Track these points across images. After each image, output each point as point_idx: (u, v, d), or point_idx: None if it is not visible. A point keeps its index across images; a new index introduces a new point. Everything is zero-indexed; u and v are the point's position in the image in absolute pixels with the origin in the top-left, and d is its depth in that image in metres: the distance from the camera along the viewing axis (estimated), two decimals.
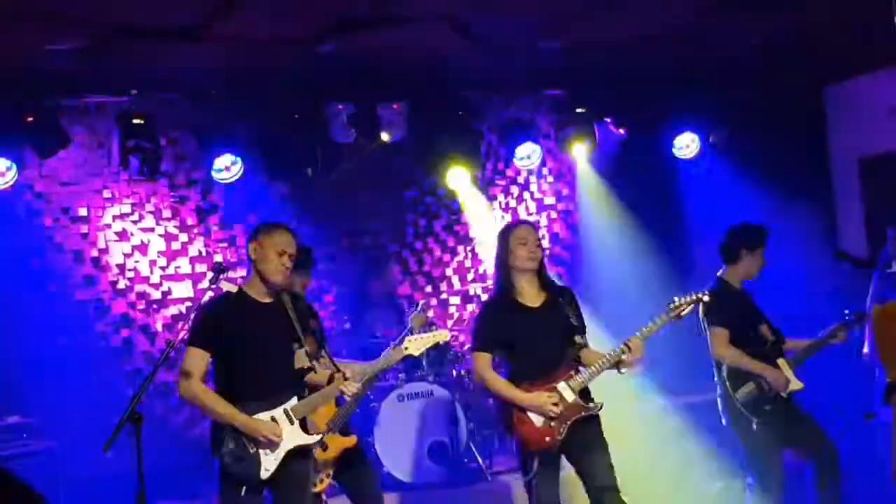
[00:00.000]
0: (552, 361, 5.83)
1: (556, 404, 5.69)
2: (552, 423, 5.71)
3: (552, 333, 5.88)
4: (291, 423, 5.35)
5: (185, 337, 5.39)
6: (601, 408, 5.84)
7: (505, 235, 6.00)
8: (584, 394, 5.84)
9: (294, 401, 5.39)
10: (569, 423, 5.72)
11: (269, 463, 5.27)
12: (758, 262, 6.74)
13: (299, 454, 5.41)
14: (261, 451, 5.27)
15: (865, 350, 7.67)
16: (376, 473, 6.64)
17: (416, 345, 5.99)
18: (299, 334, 5.43)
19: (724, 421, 6.67)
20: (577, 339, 5.92)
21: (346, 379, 5.53)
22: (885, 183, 9.53)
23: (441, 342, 6.18)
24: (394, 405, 8.27)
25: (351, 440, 6.39)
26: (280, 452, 5.30)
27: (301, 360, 5.48)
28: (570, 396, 5.73)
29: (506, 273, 5.95)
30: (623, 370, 5.81)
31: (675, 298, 5.91)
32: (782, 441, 6.57)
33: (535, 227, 6.15)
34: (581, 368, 5.82)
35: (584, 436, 5.79)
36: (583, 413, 5.77)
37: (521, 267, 5.90)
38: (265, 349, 5.33)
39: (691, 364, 7.33)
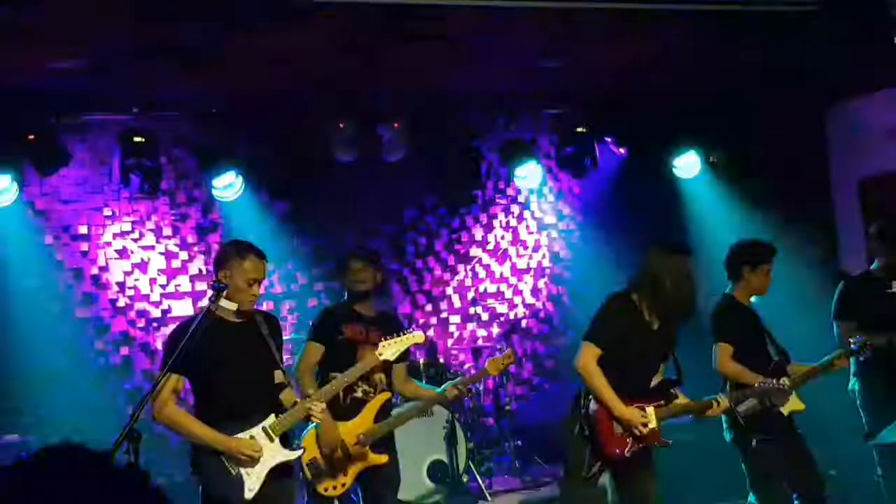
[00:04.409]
0: (648, 383, 5.90)
1: (644, 425, 5.72)
2: (629, 439, 5.73)
3: (658, 356, 5.96)
4: (271, 440, 5.30)
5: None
6: (670, 444, 5.90)
7: (671, 259, 5.89)
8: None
9: (272, 418, 5.34)
10: (641, 445, 5.76)
11: (252, 482, 5.21)
12: (763, 279, 6.69)
13: (282, 472, 5.37)
14: (243, 470, 5.22)
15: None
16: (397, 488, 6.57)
17: (390, 348, 5.94)
18: (274, 353, 5.41)
19: (727, 437, 6.65)
20: (664, 368, 6.02)
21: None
22: (886, 204, 9.52)
23: (415, 344, 6.13)
24: None
25: (380, 458, 6.21)
26: (262, 471, 5.25)
27: (278, 377, 5.47)
28: (653, 422, 5.77)
29: (644, 291, 5.86)
30: (691, 416, 6.00)
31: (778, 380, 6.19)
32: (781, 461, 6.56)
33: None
34: (669, 401, 5.90)
35: (642, 460, 5.85)
36: (656, 443, 5.83)
37: (672, 300, 5.82)
38: (239, 369, 5.28)
39: (694, 382, 7.31)
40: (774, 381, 6.20)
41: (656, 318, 5.89)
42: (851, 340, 6.75)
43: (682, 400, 5.94)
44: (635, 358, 5.83)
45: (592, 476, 5.80)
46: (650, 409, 5.77)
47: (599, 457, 5.77)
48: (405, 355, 6.43)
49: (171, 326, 9.26)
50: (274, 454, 5.30)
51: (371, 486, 6.33)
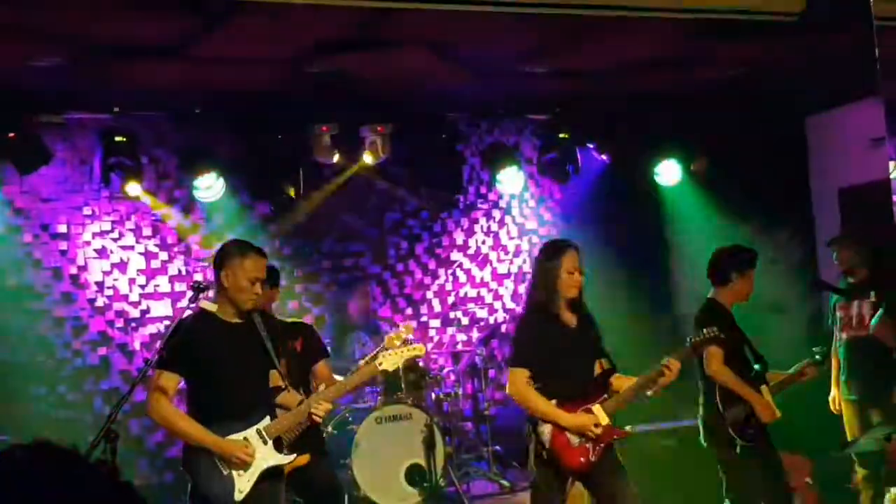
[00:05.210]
0: (586, 382, 5.78)
1: (597, 426, 5.62)
2: (588, 444, 5.64)
3: (587, 354, 5.84)
4: (265, 443, 5.27)
5: (155, 358, 5.30)
6: (632, 432, 5.83)
7: (557, 256, 5.81)
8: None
9: (267, 420, 5.31)
10: (602, 445, 5.66)
11: (242, 484, 5.18)
12: (749, 285, 6.67)
13: (273, 475, 5.33)
14: (234, 472, 5.18)
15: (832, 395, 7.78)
16: (339, 497, 6.56)
17: (390, 360, 5.78)
18: (272, 354, 5.36)
19: (705, 443, 6.63)
20: (605, 362, 5.89)
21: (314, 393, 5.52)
22: (865, 213, 9.57)
23: (417, 357, 5.99)
24: (371, 428, 8.23)
25: (301, 459, 6.04)
26: (254, 473, 5.22)
27: (275, 378, 5.43)
28: (604, 419, 5.66)
29: (547, 291, 5.77)
30: (650, 393, 5.75)
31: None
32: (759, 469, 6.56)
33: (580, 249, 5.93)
34: (612, 391, 5.78)
35: (607, 460, 5.75)
36: (615, 437, 5.73)
37: (566, 295, 5.77)
38: (236, 370, 5.24)
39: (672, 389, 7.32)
40: (705, 331, 6.00)
41: (570, 319, 5.81)
42: (815, 350, 6.79)
43: (623, 383, 5.80)
44: (565, 363, 5.73)
45: (564, 496, 5.75)
46: (596, 407, 5.67)
47: (568, 473, 5.70)
48: (321, 352, 6.64)
49: (150, 327, 9.35)
50: (266, 457, 5.27)
51: (309, 494, 6.36)
